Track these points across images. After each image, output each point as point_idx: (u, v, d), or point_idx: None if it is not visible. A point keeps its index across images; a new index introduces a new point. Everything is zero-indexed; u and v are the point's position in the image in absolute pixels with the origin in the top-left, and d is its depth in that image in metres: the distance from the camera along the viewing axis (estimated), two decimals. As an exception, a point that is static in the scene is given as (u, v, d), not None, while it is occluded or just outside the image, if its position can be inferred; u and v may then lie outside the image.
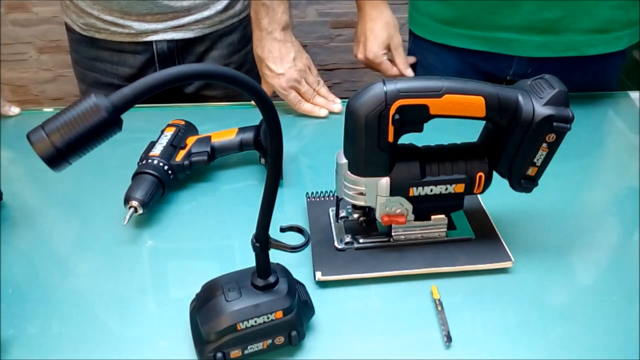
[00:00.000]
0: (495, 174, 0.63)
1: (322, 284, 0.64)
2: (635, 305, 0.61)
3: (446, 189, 0.61)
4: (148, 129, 0.83)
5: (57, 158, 0.37)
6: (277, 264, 0.57)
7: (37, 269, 0.67)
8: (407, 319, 0.60)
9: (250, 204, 0.75)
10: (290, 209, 0.75)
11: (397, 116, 0.56)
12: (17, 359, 0.56)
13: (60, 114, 0.37)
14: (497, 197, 0.69)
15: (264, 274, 0.53)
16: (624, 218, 0.75)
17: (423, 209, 0.64)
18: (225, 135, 0.82)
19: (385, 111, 0.55)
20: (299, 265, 0.65)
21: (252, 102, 0.89)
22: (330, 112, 0.97)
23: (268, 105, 0.43)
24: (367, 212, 0.67)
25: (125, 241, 0.71)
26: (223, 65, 1.05)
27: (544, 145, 0.58)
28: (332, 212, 0.71)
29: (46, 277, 0.66)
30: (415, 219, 0.64)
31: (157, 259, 0.69)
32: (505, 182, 0.63)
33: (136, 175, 0.74)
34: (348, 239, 0.66)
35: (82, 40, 1.03)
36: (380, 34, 0.99)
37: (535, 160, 0.59)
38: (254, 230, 0.51)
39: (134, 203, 0.70)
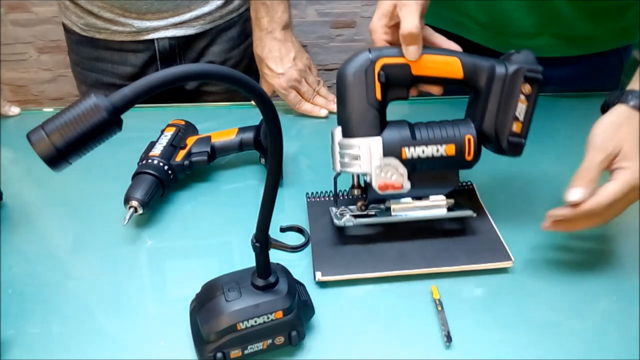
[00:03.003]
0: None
1: (322, 284, 0.64)
2: (635, 305, 0.61)
3: (437, 150, 0.62)
4: (148, 129, 0.83)
5: (57, 158, 0.37)
6: (277, 264, 0.57)
7: (37, 269, 0.67)
8: (407, 319, 0.60)
9: (250, 204, 0.75)
10: (290, 209, 0.75)
11: (382, 72, 0.61)
12: (17, 359, 0.56)
13: (60, 114, 0.37)
14: (497, 197, 0.69)
15: (264, 274, 0.53)
16: (624, 218, 0.75)
17: (418, 178, 0.64)
18: (225, 135, 0.82)
19: (370, 67, 0.61)
20: (299, 265, 0.65)
21: (252, 102, 0.89)
22: (330, 112, 0.97)
23: (268, 105, 0.43)
24: (365, 192, 0.66)
25: (125, 241, 0.71)
26: (223, 60, 1.06)
27: (522, 97, 0.61)
28: (332, 209, 0.70)
29: (46, 277, 0.66)
30: (413, 198, 0.65)
31: (157, 259, 0.69)
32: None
33: (136, 175, 0.74)
34: (347, 215, 0.66)
35: (82, 41, 1.03)
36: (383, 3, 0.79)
37: (517, 114, 0.62)
38: (254, 230, 0.51)
39: (134, 203, 0.70)
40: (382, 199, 0.66)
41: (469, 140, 0.62)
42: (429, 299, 0.62)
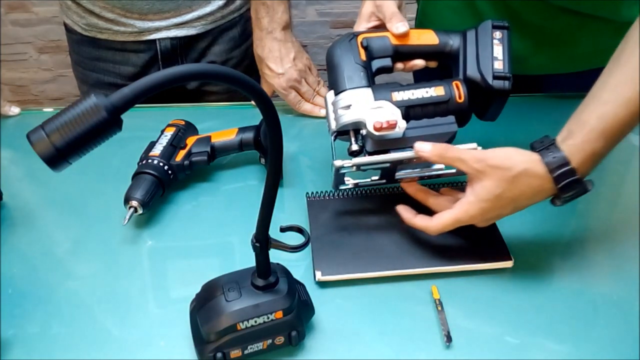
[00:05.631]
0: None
1: (322, 284, 0.64)
2: (635, 305, 0.61)
3: (427, 92, 0.64)
4: (148, 129, 0.83)
5: (57, 158, 0.37)
6: (277, 264, 0.57)
7: (37, 269, 0.67)
8: (407, 319, 0.60)
9: (250, 204, 0.75)
10: (290, 209, 0.75)
11: (364, 41, 0.67)
12: (17, 359, 0.56)
13: (60, 114, 0.37)
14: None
15: (264, 274, 0.53)
16: (624, 218, 0.75)
17: (414, 123, 0.64)
18: (225, 135, 0.82)
19: (353, 39, 0.67)
20: (299, 265, 0.65)
21: (252, 102, 0.89)
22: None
23: (268, 105, 0.43)
24: (362, 150, 0.65)
25: (125, 241, 0.71)
26: (225, 60, 1.06)
27: (496, 41, 0.68)
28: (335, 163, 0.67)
29: (46, 277, 0.66)
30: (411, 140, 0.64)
31: (157, 259, 0.69)
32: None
33: (136, 175, 0.74)
34: (349, 163, 0.64)
35: (84, 40, 1.03)
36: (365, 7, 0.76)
37: (495, 55, 0.67)
38: (254, 230, 0.51)
39: (134, 203, 0.70)
40: (384, 151, 0.64)
41: (457, 84, 0.65)
42: (429, 299, 0.62)
